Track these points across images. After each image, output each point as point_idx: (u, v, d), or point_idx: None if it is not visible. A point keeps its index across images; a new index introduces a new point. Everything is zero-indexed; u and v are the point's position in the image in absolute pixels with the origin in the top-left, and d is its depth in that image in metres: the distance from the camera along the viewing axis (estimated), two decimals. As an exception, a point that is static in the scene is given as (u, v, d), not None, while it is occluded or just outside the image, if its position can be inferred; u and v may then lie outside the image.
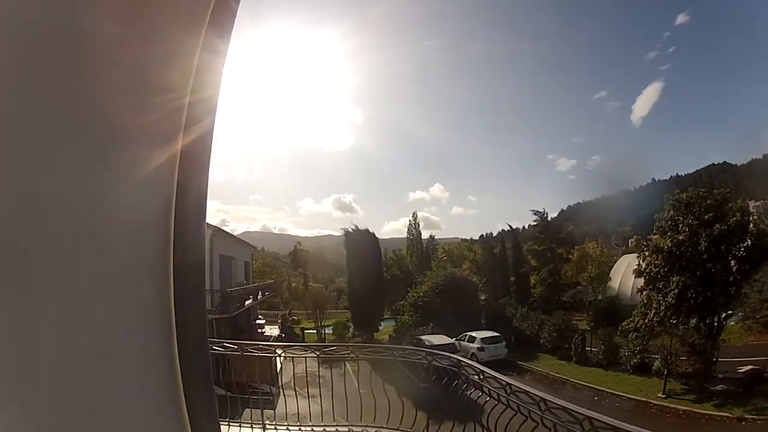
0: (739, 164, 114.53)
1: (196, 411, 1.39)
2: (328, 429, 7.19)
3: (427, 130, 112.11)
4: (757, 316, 30.23)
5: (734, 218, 22.84)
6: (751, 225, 25.12)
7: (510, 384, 5.24)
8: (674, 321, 23.12)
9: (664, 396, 22.36)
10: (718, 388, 22.31)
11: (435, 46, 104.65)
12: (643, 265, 24.53)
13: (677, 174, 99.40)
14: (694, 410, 20.87)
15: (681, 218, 23.41)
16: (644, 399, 22.62)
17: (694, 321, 22.42)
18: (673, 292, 22.30)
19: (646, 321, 23.18)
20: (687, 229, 22.81)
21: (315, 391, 7.73)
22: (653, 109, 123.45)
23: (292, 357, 8.24)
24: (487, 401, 5.57)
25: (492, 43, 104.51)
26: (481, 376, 5.76)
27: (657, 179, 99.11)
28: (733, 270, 23.25)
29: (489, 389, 5.54)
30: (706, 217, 22.86)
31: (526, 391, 5.01)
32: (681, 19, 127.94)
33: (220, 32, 1.33)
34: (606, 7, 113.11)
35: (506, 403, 5.20)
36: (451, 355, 6.89)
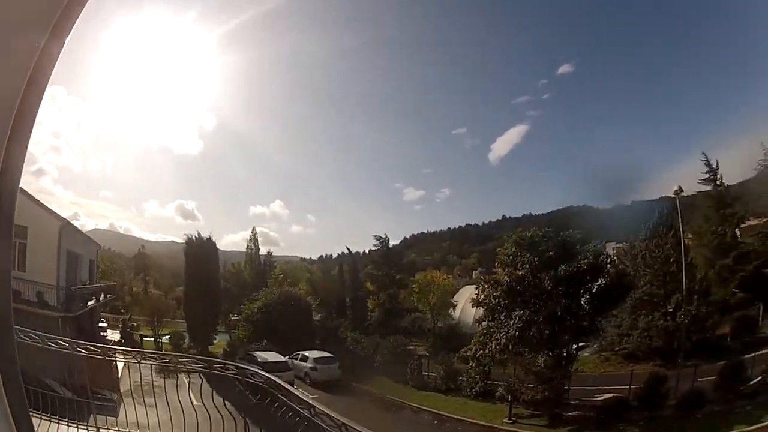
0: (602, 208, 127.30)
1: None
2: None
3: (274, 142, 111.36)
4: (616, 348, 31.13)
5: (585, 260, 23.37)
6: (609, 266, 26.29)
7: (314, 406, 5.51)
8: (517, 351, 23.15)
9: (511, 421, 22.45)
10: (574, 414, 22.78)
11: (309, 50, 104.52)
12: (482, 297, 24.69)
13: (530, 213, 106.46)
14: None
15: (523, 255, 23.73)
16: (489, 424, 22.62)
17: (542, 354, 22.83)
18: (517, 326, 22.44)
19: (486, 350, 23.33)
20: (528, 266, 23.19)
21: (152, 401, 7.95)
22: (513, 151, 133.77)
23: (133, 364, 8.08)
24: (297, 420, 5.82)
25: (360, 60, 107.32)
26: (288, 397, 6.08)
27: (508, 216, 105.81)
28: (586, 306, 23.98)
29: (297, 408, 5.83)
30: (550, 255, 23.38)
31: (328, 414, 5.28)
32: (564, 69, 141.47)
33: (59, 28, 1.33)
34: (485, 46, 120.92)
35: (312, 424, 5.42)
36: (263, 372, 6.98)
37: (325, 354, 30.28)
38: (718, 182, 40.48)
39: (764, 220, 44.64)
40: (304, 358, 29.64)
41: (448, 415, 23.72)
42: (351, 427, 4.82)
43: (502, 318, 23.34)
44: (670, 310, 29.65)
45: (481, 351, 23.53)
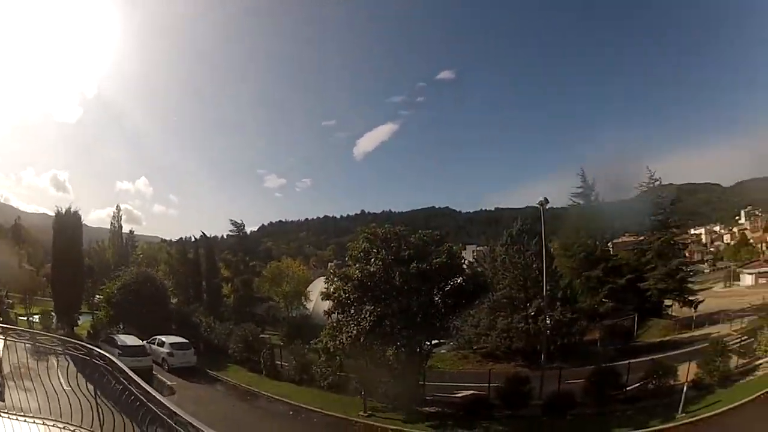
0: (463, 211, 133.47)
1: None
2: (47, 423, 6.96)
3: (146, 119, 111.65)
4: (474, 347, 32.18)
5: (438, 259, 23.18)
6: (466, 267, 26.52)
7: (150, 392, 5.31)
8: (370, 345, 22.70)
9: (366, 414, 22.02)
10: (432, 409, 22.55)
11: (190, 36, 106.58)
12: (331, 290, 24.19)
13: (390, 210, 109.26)
14: (405, 429, 20.68)
15: (375, 251, 23.34)
16: (345, 416, 22.13)
17: (392, 349, 22.12)
18: (367, 320, 22.04)
19: (337, 343, 22.70)
20: (380, 263, 22.79)
21: (29, 383, 7.51)
22: (379, 147, 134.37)
23: (12, 342, 7.81)
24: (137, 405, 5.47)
25: (235, 46, 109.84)
26: (129, 381, 5.73)
27: (367, 211, 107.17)
28: (440, 304, 23.89)
29: (136, 393, 5.51)
30: (403, 254, 23.08)
31: (161, 401, 5.10)
32: (444, 74, 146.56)
33: None
34: (368, 41, 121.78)
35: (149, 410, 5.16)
36: (108, 355, 6.64)
37: (181, 340, 29.53)
38: (592, 197, 43.47)
39: (640, 237, 47.90)
40: (161, 343, 28.80)
41: (304, 406, 23.21)
42: (180, 416, 4.66)
43: (352, 312, 22.97)
44: (532, 313, 30.53)
45: (332, 343, 23.04)
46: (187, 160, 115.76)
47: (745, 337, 27.66)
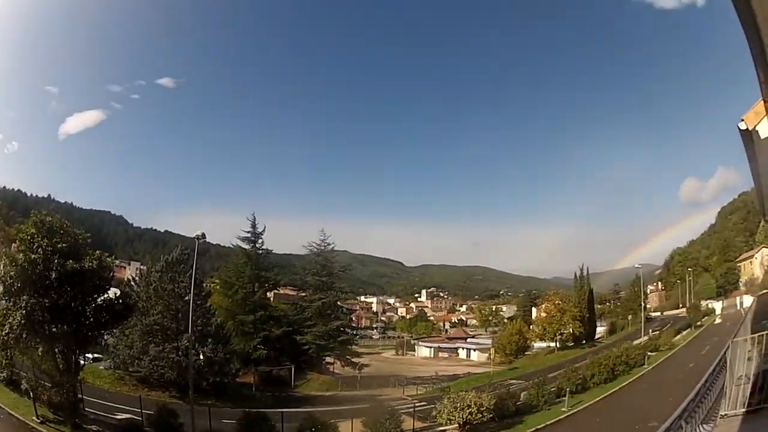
0: (135, 225, 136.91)
1: None
2: None
3: None
4: (130, 369, 31.79)
5: (90, 264, 23.09)
6: (125, 283, 27.31)
7: None
8: (27, 342, 22.04)
9: (39, 420, 21.23)
10: (93, 428, 22.36)
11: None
12: (1, 273, 22.60)
13: (72, 204, 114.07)
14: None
15: (39, 239, 22.44)
16: (23, 418, 21.28)
17: (42, 348, 22.01)
18: (22, 311, 21.07)
19: (3, 334, 21.25)
20: (41, 252, 22.06)
21: None
22: (84, 132, 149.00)
23: None
24: None
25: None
26: None
27: (53, 197, 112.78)
28: (90, 315, 23.74)
29: None
30: (63, 247, 22.69)
31: None
32: (166, 81, 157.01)
33: None
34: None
35: None
36: None
37: None
38: (258, 245, 47.47)
39: (302, 293, 54.57)
40: None
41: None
42: None
43: (16, 301, 21.84)
44: (183, 346, 31.32)
45: (2, 332, 21.43)
46: None
47: (424, 402, 31.22)
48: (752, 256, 59.18)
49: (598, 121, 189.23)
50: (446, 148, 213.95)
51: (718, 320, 50.71)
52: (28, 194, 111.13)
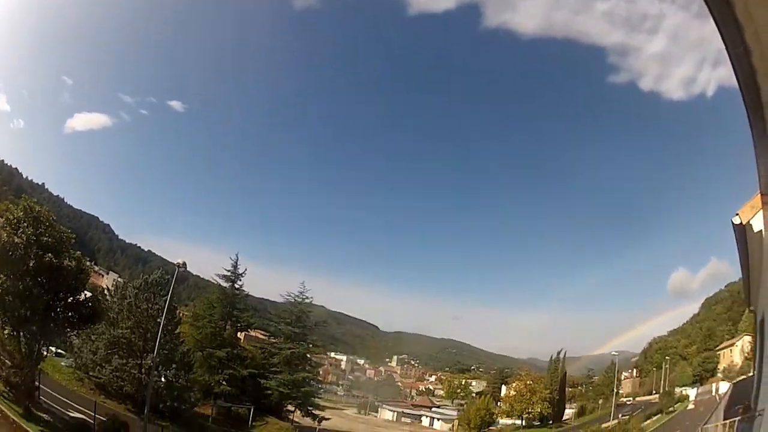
0: (120, 236, 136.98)
1: None
2: None
3: None
4: (90, 374, 31.44)
5: (69, 263, 23.44)
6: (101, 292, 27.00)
7: None
8: None
9: None
10: (45, 416, 22.41)
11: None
12: None
13: (63, 199, 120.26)
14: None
15: (25, 225, 22.75)
16: None
17: (8, 330, 22.13)
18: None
19: None
20: (24, 238, 22.30)
21: None
22: (83, 133, 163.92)
23: None
24: None
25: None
26: None
27: (46, 186, 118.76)
28: (60, 312, 24.02)
29: None
30: (46, 240, 22.91)
31: None
32: (175, 104, 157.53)
33: None
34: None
35: None
36: None
37: None
38: (237, 284, 47.40)
39: (273, 339, 53.97)
40: None
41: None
42: None
43: None
44: (146, 365, 31.00)
45: None
46: None
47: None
48: (733, 344, 58.69)
49: (588, 209, 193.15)
50: (441, 221, 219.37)
51: (691, 406, 50.41)
52: (24, 176, 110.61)
